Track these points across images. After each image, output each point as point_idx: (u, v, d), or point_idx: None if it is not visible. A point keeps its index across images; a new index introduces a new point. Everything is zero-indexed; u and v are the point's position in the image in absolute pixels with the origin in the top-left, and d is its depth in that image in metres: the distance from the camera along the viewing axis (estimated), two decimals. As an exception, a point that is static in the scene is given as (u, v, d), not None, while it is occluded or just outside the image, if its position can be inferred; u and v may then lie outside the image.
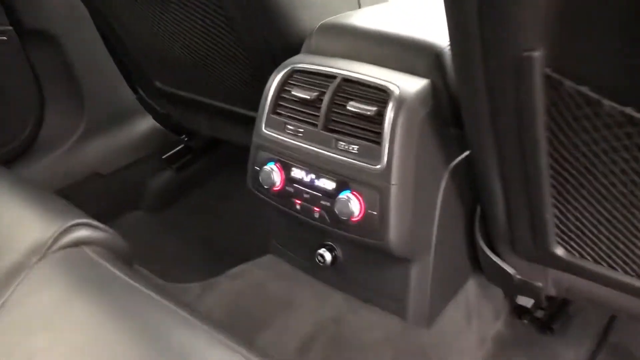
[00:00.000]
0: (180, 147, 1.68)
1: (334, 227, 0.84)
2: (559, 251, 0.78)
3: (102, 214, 0.85)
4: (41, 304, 0.69)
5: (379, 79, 0.79)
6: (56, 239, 0.76)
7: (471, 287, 0.99)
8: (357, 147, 0.80)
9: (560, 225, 0.75)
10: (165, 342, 0.61)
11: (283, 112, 0.88)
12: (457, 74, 0.68)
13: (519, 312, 1.11)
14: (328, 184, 0.83)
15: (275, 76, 0.89)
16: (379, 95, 0.79)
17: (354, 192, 0.80)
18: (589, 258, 0.77)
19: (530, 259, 0.87)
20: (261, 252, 1.16)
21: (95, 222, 0.82)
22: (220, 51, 1.08)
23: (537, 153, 0.65)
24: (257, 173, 0.91)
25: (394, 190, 0.77)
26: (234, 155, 1.76)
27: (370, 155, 0.78)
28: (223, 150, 1.75)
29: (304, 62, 0.87)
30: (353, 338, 0.85)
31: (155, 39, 1.20)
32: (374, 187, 0.78)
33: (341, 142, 0.81)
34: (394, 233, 0.79)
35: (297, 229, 0.97)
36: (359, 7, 1.04)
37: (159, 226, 1.56)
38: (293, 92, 0.86)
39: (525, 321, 1.10)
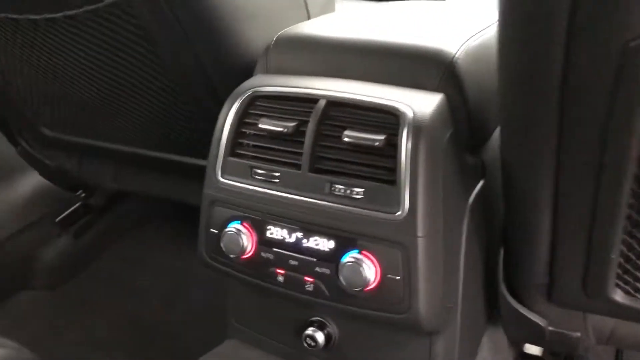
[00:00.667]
0: (76, 206, 1.38)
1: (336, 301, 0.62)
2: (618, 296, 0.62)
3: None
4: None
5: (381, 98, 0.60)
6: None
7: (485, 344, 0.81)
8: (362, 190, 0.59)
9: (625, 265, 0.60)
10: None
11: (246, 153, 0.66)
12: (508, 75, 0.51)
13: (527, 360, 0.95)
14: (324, 244, 0.61)
15: (231, 107, 0.66)
16: (384, 119, 0.59)
17: (365, 252, 0.59)
18: None
19: (572, 307, 0.71)
20: (208, 328, 0.91)
21: None
22: (134, 83, 0.84)
23: (624, 171, 0.50)
24: (215, 237, 0.67)
25: (422, 245, 0.57)
26: (143, 211, 1.49)
27: (383, 200, 0.58)
28: (130, 205, 1.46)
29: (268, 84, 0.66)
30: None
31: (40, 76, 0.94)
32: (393, 244, 0.58)
33: (338, 186, 0.60)
34: (425, 301, 0.58)
35: (270, 305, 0.74)
36: (309, 18, 0.85)
37: (61, 307, 1.27)
38: (260, 125, 0.64)
39: (536, 371, 0.94)
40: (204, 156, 0.78)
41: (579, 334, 0.74)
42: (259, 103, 0.66)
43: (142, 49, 0.77)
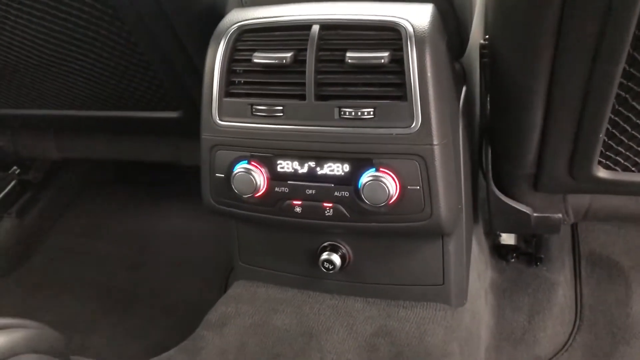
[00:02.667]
0: (12, 184, 1.28)
1: (357, 221, 0.64)
2: (601, 172, 0.69)
3: None
4: None
5: (377, 14, 0.60)
6: None
7: (473, 242, 0.87)
8: (372, 110, 0.60)
9: (610, 142, 0.66)
10: None
11: (242, 91, 0.65)
12: None
13: (504, 252, 1.03)
14: (340, 169, 0.62)
15: (218, 45, 0.64)
16: (383, 36, 0.60)
17: (383, 170, 0.61)
18: (634, 169, 0.69)
19: (556, 191, 0.78)
20: (197, 282, 0.91)
21: (17, 321, 0.54)
22: (86, 39, 0.77)
23: (617, 56, 0.54)
24: (223, 181, 0.66)
25: (438, 152, 0.59)
26: (85, 178, 1.41)
27: (395, 117, 0.60)
28: (69, 175, 1.38)
29: (253, 16, 0.64)
30: (410, 344, 0.67)
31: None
32: (410, 155, 0.60)
33: (347, 109, 0.61)
34: (444, 206, 0.62)
35: (281, 239, 0.75)
36: None
37: (21, 293, 1.19)
38: (253, 60, 0.62)
39: (513, 260, 1.02)
40: (163, 107, 0.74)
41: (559, 215, 0.82)
42: (247, 38, 0.64)
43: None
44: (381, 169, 0.61)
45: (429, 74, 0.58)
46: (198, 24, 0.70)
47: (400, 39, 0.59)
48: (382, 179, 0.60)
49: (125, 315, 1.09)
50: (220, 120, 0.65)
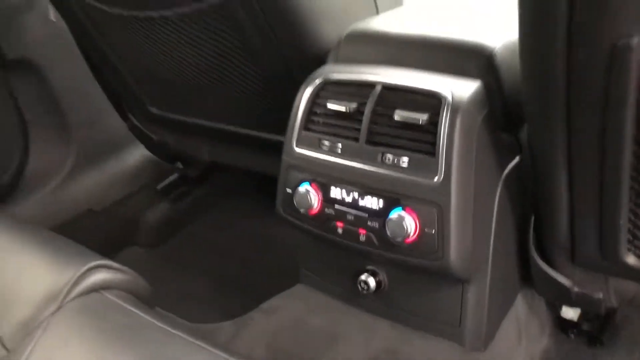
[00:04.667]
0: (175, 176, 1.59)
1: (383, 250, 0.76)
2: (630, 259, 0.72)
3: (98, 253, 0.76)
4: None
5: (427, 84, 0.73)
6: (72, 286, 0.69)
7: (520, 303, 0.92)
8: (407, 159, 0.72)
9: (634, 230, 0.69)
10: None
11: (316, 128, 0.81)
12: (525, 68, 0.62)
13: (565, 326, 1.04)
14: (375, 203, 0.75)
15: (305, 90, 0.81)
16: (428, 101, 0.72)
17: (408, 210, 0.72)
18: None
19: (592, 269, 0.81)
20: (281, 283, 1.07)
21: (113, 264, 0.74)
22: (229, 70, 1.00)
23: (622, 152, 0.60)
24: (289, 196, 0.83)
25: (454, 205, 0.70)
26: (232, 183, 1.68)
27: (424, 168, 0.71)
28: (221, 177, 1.66)
29: (337, 72, 0.80)
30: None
31: (151, 61, 1.12)
32: (430, 203, 0.71)
33: (388, 156, 0.74)
34: (455, 252, 0.71)
35: (332, 255, 0.89)
36: (377, 13, 0.98)
37: (160, 262, 1.47)
38: (328, 105, 0.79)
39: (572, 335, 1.03)
40: (280, 132, 0.93)
41: (601, 296, 0.84)
42: (328, 88, 0.80)
43: (236, 41, 0.93)
44: (406, 209, 0.72)
45: (456, 138, 0.69)
46: (309, 68, 0.88)
47: (440, 105, 0.71)
48: (405, 218, 0.72)
49: (227, 300, 1.30)
50: (297, 147, 0.82)
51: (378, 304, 0.86)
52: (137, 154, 1.55)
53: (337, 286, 0.90)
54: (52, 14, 1.30)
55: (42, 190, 1.38)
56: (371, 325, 0.83)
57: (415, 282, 0.82)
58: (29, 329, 0.64)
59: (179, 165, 1.59)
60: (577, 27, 0.52)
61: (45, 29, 1.32)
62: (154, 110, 1.32)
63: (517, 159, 0.81)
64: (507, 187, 0.79)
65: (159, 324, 0.65)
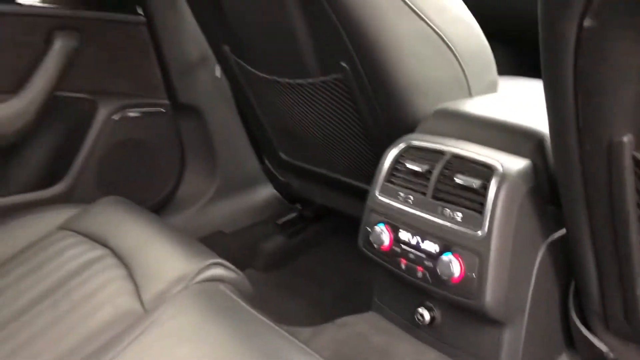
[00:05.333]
0: (294, 215, 1.84)
1: (435, 286, 0.93)
2: None
3: None
4: (183, 323, 0.83)
5: (485, 156, 0.90)
6: (197, 274, 0.92)
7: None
8: (461, 215, 0.90)
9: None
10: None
11: (396, 182, 1.01)
12: (554, 156, 0.77)
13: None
14: (432, 247, 0.92)
15: (391, 150, 1.02)
16: (484, 171, 0.89)
17: (456, 255, 0.89)
18: None
19: (624, 337, 0.90)
20: (363, 310, 1.25)
21: (228, 264, 0.97)
22: (344, 130, 1.24)
23: (628, 231, 0.72)
24: (368, 233, 1.02)
25: (492, 256, 0.85)
26: (339, 226, 1.90)
27: (472, 223, 0.88)
28: (330, 221, 1.89)
29: (418, 139, 1.01)
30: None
31: (285, 116, 1.39)
32: (474, 252, 0.87)
33: (447, 210, 0.91)
34: (490, 295, 0.86)
35: (398, 288, 1.06)
36: (470, 96, 1.16)
37: (269, 285, 1.70)
38: (406, 165, 0.98)
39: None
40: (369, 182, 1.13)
41: (635, 362, 0.91)
42: (410, 151, 1.00)
43: (349, 107, 1.17)
44: (455, 254, 0.89)
45: (499, 202, 0.85)
46: (399, 133, 1.08)
47: (492, 175, 0.88)
48: (453, 261, 0.89)
49: (307, 319, 1.49)
50: (379, 195, 1.02)
51: (430, 335, 1.02)
52: (265, 192, 1.84)
53: (399, 315, 1.07)
54: (218, 71, 1.65)
55: (187, 211, 1.71)
56: (421, 352, 0.99)
57: (462, 320, 0.97)
58: (162, 298, 0.88)
59: (298, 206, 1.85)
60: (583, 128, 0.68)
61: (211, 82, 1.67)
62: (283, 156, 1.59)
63: (563, 230, 0.94)
64: (550, 253, 0.92)
65: (255, 313, 0.86)
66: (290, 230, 1.81)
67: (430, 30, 1.05)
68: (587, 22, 0.58)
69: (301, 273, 1.75)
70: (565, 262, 0.95)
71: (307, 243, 1.85)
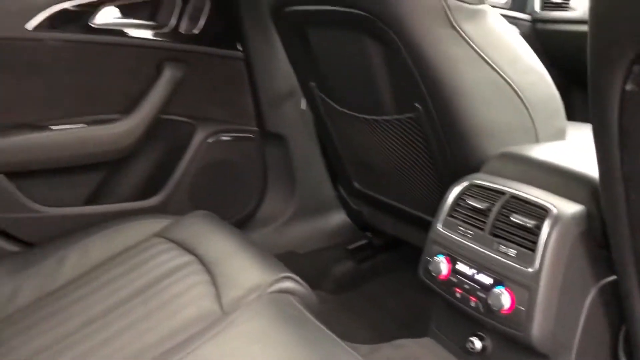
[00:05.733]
0: (364, 242, 1.93)
1: (486, 316, 0.99)
2: None
3: None
4: (256, 326, 0.94)
5: (542, 199, 0.97)
6: (271, 284, 1.03)
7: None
8: (515, 251, 0.96)
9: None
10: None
11: (457, 217, 1.09)
12: (603, 204, 0.84)
13: None
14: (486, 279, 1.00)
15: (455, 187, 1.11)
16: (539, 212, 0.96)
17: (507, 288, 0.96)
18: None
19: None
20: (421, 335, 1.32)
21: (299, 279, 1.08)
22: (414, 165, 1.33)
23: None
24: (428, 263, 1.11)
25: (541, 291, 0.91)
26: (407, 256, 1.97)
27: (525, 260, 0.94)
28: (398, 251, 1.97)
29: (481, 179, 1.09)
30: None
31: (360, 149, 1.50)
32: (524, 286, 0.93)
33: (502, 246, 0.99)
34: (537, 328, 0.92)
35: (454, 316, 1.13)
36: (537, 141, 1.23)
37: (334, 307, 1.79)
38: (468, 202, 1.06)
39: None
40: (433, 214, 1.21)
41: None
42: (472, 189, 1.08)
43: (421, 144, 1.26)
44: (506, 288, 0.96)
45: (551, 242, 0.92)
46: (464, 171, 1.16)
47: (546, 216, 0.94)
48: (504, 294, 0.95)
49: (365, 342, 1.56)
50: (441, 228, 1.11)
51: (480, 363, 1.08)
52: (338, 218, 1.94)
53: (452, 342, 1.13)
54: (303, 104, 1.79)
55: (265, 229, 1.84)
56: (470, 378, 1.05)
57: (512, 352, 1.02)
58: (239, 303, 0.99)
59: (369, 234, 1.93)
60: (628, 180, 0.74)
61: (296, 114, 1.81)
62: (357, 185, 1.69)
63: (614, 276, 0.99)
64: (602, 295, 0.97)
65: (319, 324, 0.96)
66: (359, 256, 1.87)
67: (501, 79, 1.14)
68: (628, 87, 0.66)
69: (366, 298, 1.83)
70: (617, 307, 0.99)
71: (375, 270, 1.92)
